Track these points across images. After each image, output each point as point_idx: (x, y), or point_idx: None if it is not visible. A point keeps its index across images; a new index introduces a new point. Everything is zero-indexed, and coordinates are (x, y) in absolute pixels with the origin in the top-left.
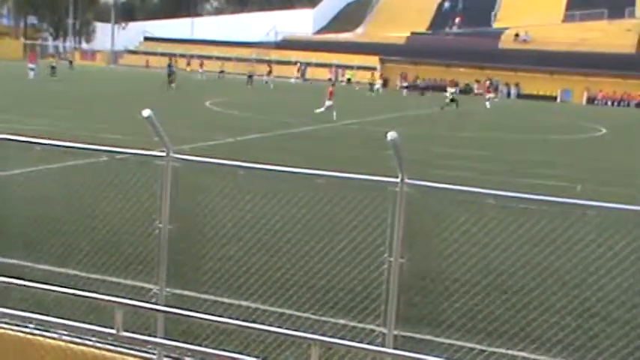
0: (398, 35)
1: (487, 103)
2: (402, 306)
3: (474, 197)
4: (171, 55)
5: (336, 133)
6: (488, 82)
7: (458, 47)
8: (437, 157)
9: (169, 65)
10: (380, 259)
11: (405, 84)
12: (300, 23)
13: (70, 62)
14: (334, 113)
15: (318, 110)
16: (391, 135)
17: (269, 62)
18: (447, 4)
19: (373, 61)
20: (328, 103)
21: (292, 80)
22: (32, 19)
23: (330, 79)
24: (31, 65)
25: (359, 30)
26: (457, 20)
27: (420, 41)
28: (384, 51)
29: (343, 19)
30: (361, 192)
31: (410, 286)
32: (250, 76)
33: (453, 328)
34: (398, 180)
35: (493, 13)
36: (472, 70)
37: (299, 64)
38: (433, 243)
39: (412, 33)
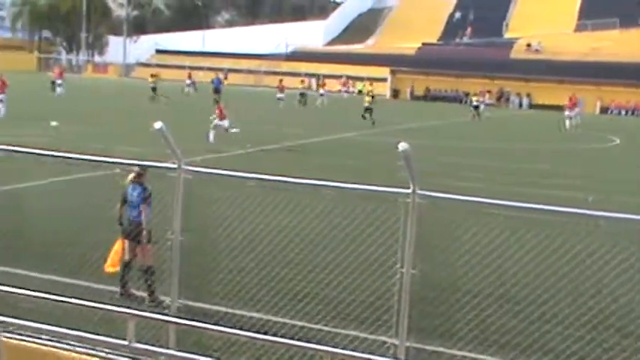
0: (409, 46)
1: None
2: (414, 317)
3: (486, 208)
4: (218, 70)
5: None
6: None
7: (469, 57)
8: (448, 167)
9: (214, 80)
10: (392, 270)
11: (280, 95)
12: (311, 35)
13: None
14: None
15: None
16: (402, 146)
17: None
18: (458, 15)
19: (384, 72)
20: (220, 122)
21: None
22: (46, 33)
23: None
24: (58, 81)
25: (370, 41)
26: (468, 30)
27: (431, 52)
28: (394, 62)
29: (354, 31)
30: (372, 203)
31: (422, 297)
32: (303, 94)
33: (464, 340)
34: (409, 191)
35: (504, 23)
36: (483, 81)
37: (307, 76)
38: (445, 254)
39: (423, 44)
